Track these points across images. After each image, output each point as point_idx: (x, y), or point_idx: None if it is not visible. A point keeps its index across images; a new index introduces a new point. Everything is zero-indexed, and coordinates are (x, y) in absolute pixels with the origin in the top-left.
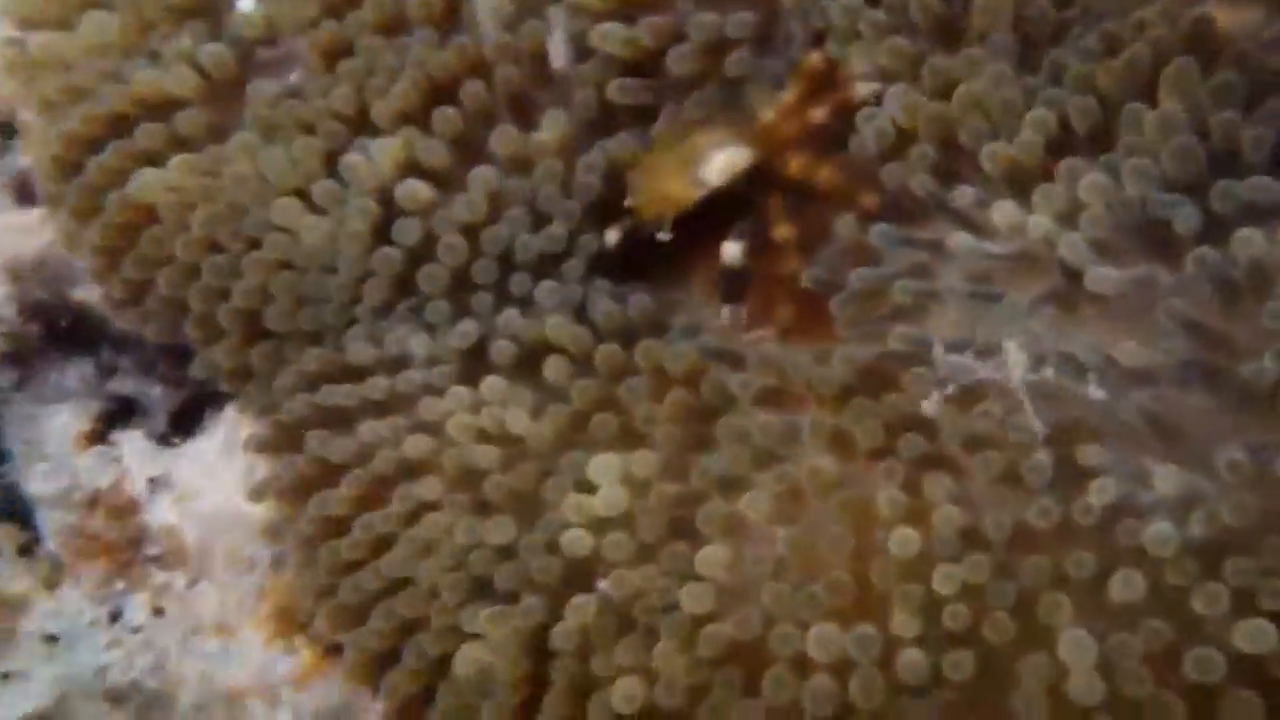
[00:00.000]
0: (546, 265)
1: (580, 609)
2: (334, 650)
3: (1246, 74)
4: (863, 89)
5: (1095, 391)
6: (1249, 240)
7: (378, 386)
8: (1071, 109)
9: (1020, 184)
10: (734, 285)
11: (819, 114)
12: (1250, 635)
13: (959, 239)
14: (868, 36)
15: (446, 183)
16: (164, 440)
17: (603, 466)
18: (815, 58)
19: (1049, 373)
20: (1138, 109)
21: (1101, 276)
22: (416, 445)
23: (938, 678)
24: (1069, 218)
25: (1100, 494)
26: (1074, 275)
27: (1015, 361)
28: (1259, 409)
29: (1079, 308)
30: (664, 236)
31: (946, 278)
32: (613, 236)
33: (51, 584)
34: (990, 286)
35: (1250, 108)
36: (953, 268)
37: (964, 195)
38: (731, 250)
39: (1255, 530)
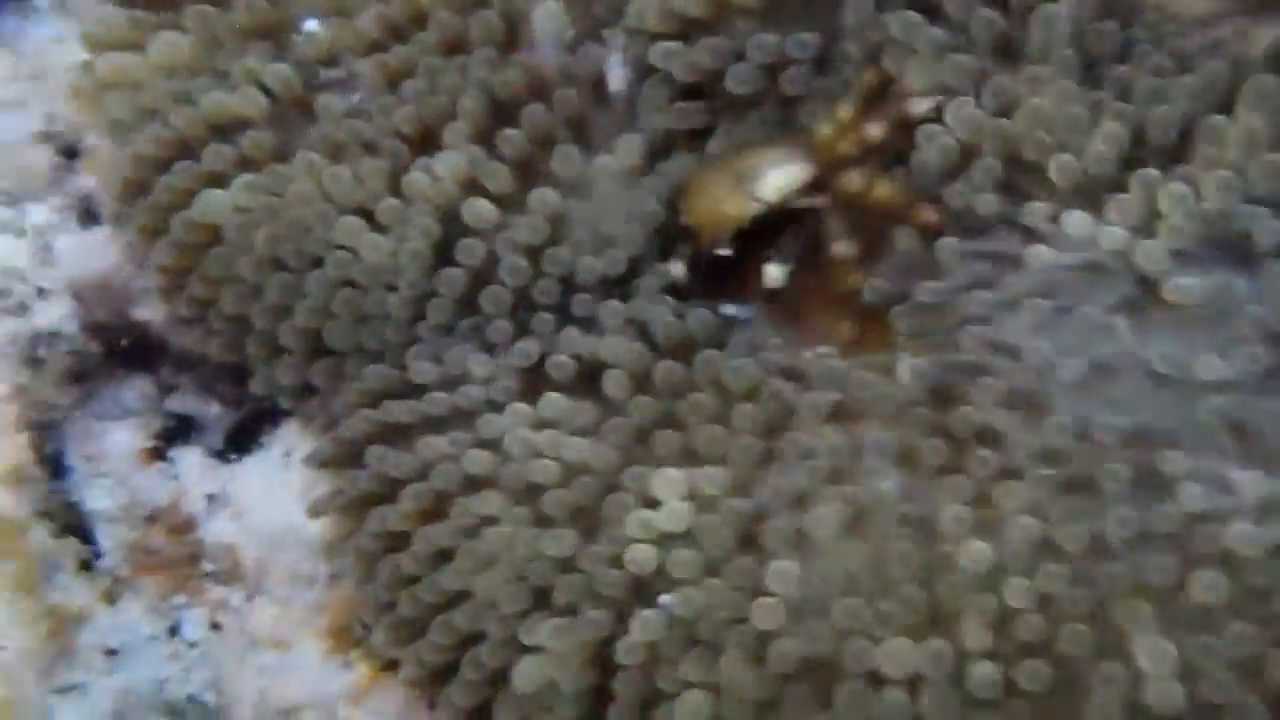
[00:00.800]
0: (609, 287)
1: (648, 622)
2: (391, 666)
3: None
4: (920, 105)
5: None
6: None
7: (438, 402)
8: (1149, 121)
9: (1091, 197)
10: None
11: (876, 130)
12: None
13: (1036, 251)
14: (925, 53)
15: (508, 203)
16: (221, 457)
17: (667, 482)
18: (871, 74)
19: (1125, 381)
20: (1218, 123)
21: (1183, 285)
22: (477, 460)
23: (1011, 690)
24: (1144, 229)
25: (1189, 500)
26: (1146, 285)
27: (1073, 368)
28: None
29: (1151, 317)
30: (724, 253)
31: (1014, 290)
32: (678, 269)
33: (111, 598)
34: (1062, 298)
35: None
36: (1021, 280)
37: (1034, 211)
38: (773, 273)
39: None
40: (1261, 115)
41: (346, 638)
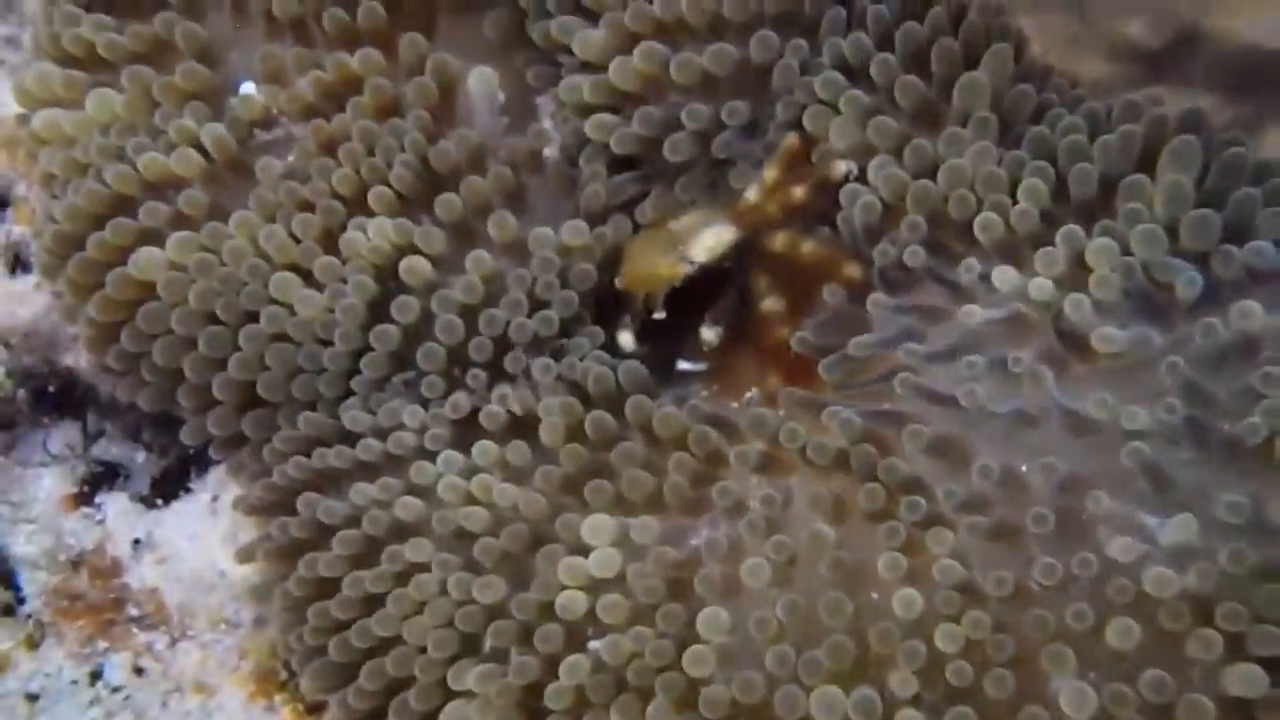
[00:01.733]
0: (541, 345)
1: (575, 667)
2: (314, 710)
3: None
4: (841, 168)
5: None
6: (1246, 311)
7: (371, 449)
8: (1071, 177)
9: (1014, 253)
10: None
11: (799, 192)
12: (1242, 680)
13: (968, 309)
14: (847, 115)
15: (443, 265)
16: (147, 503)
17: (597, 527)
18: (793, 138)
19: (1047, 429)
20: (1141, 180)
21: (1109, 335)
22: (408, 508)
23: None
24: (1069, 282)
25: (1112, 548)
26: (1068, 336)
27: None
28: (1247, 465)
29: (1070, 367)
30: (659, 316)
31: (942, 342)
32: (627, 340)
33: (33, 644)
34: (987, 350)
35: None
36: (948, 333)
37: (967, 267)
38: (708, 335)
39: (1249, 578)
40: (1185, 173)
41: (270, 681)
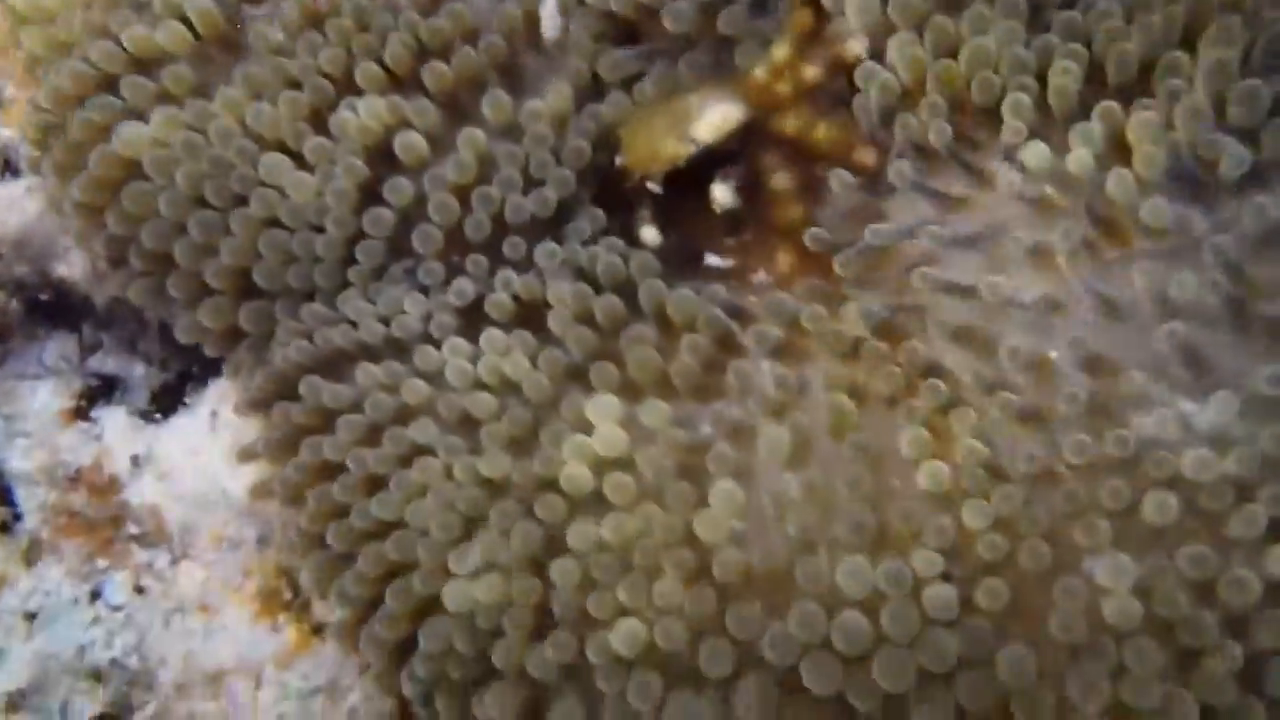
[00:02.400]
0: (541, 230)
1: (582, 535)
2: (319, 630)
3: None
4: (857, 46)
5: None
6: None
7: (374, 332)
8: (1108, 57)
9: (1045, 136)
10: (727, 225)
11: (812, 71)
12: None
13: (1007, 177)
14: None
15: (436, 146)
16: (146, 417)
17: (601, 407)
18: (805, 13)
19: (1079, 313)
20: (1180, 57)
21: (1158, 208)
22: (413, 390)
23: (969, 608)
24: (1109, 159)
25: (1143, 428)
26: (1103, 219)
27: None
28: None
29: (1102, 252)
30: (654, 188)
31: (961, 229)
32: (650, 235)
33: (31, 561)
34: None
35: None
36: (965, 219)
37: (998, 150)
38: (721, 191)
39: None
40: (1229, 50)
41: (274, 601)
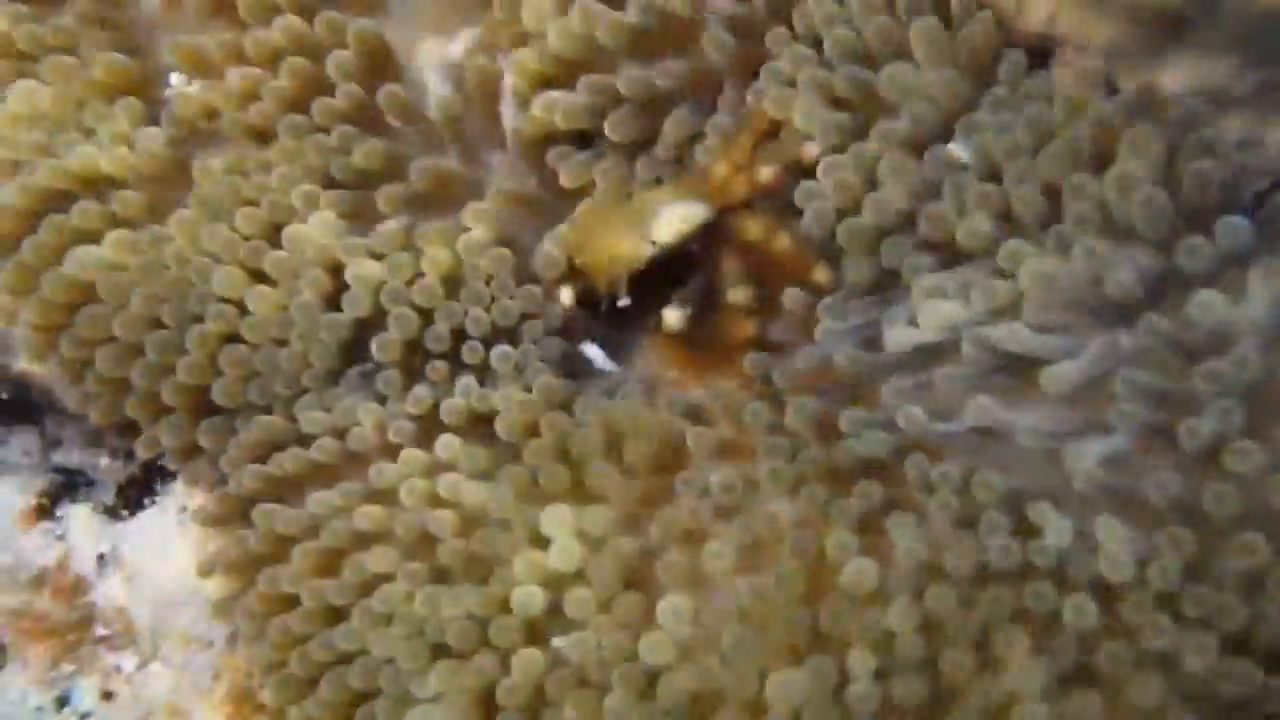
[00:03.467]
0: (499, 336)
1: (529, 662)
2: None
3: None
4: (813, 149)
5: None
6: (1209, 305)
7: (327, 450)
8: (1014, 200)
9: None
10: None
11: (767, 173)
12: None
13: (895, 335)
14: (805, 97)
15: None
16: (112, 514)
17: (555, 518)
18: (762, 114)
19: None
20: (1083, 180)
21: (1057, 373)
22: (369, 517)
23: (889, 708)
24: (1007, 309)
25: (1055, 535)
26: (1017, 362)
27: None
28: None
29: (1025, 394)
30: (624, 303)
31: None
32: (566, 296)
33: None
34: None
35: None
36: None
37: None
38: (673, 316)
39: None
40: (1139, 160)
41: (247, 703)
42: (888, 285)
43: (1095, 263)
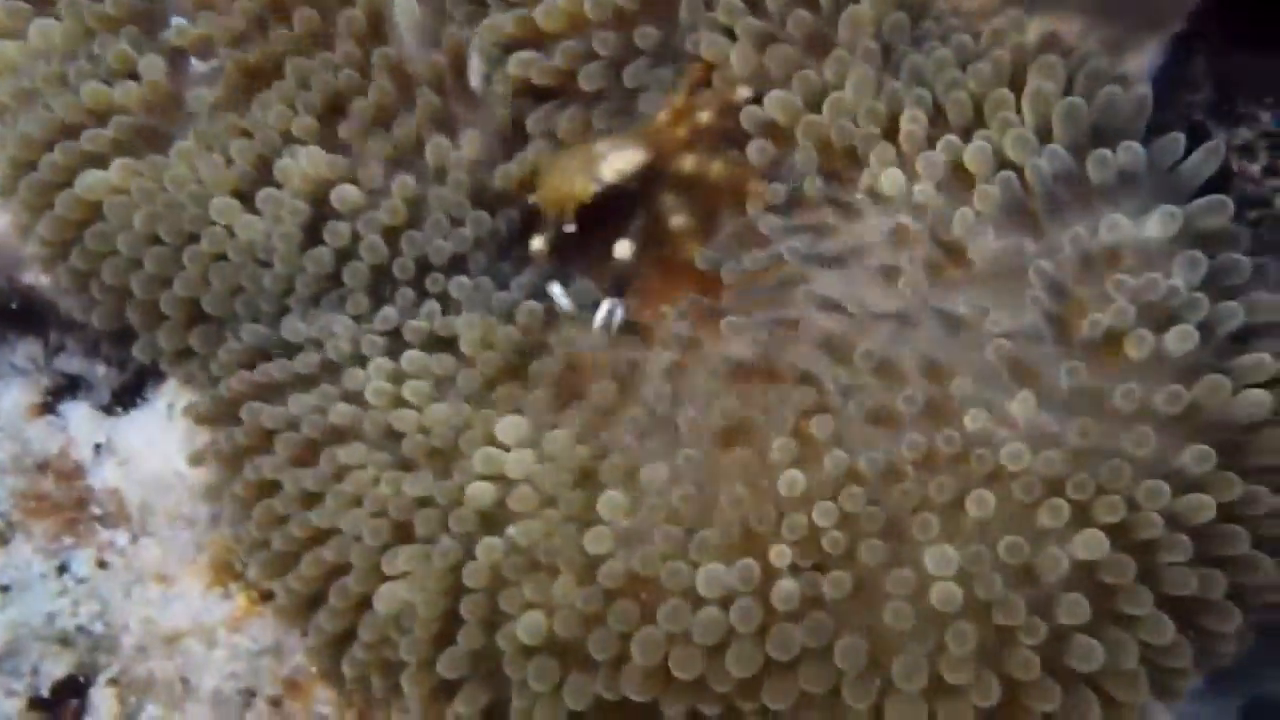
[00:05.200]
0: (460, 264)
1: (490, 548)
2: (267, 596)
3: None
4: (743, 91)
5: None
6: (1114, 224)
7: (307, 361)
8: (948, 103)
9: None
10: (620, 279)
11: (705, 116)
12: (1086, 545)
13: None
14: (744, 42)
15: (374, 191)
16: (108, 411)
17: (510, 427)
18: (698, 64)
19: (925, 330)
20: (1007, 94)
21: (982, 247)
22: (341, 414)
23: (815, 601)
24: (950, 188)
25: (971, 421)
26: (946, 245)
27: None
28: (1098, 357)
29: (946, 272)
30: (569, 228)
31: (833, 249)
32: (538, 243)
33: (4, 540)
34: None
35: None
36: (833, 245)
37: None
38: (622, 247)
39: (1095, 453)
40: (1050, 81)
41: (225, 572)
42: (831, 195)
43: (1030, 156)
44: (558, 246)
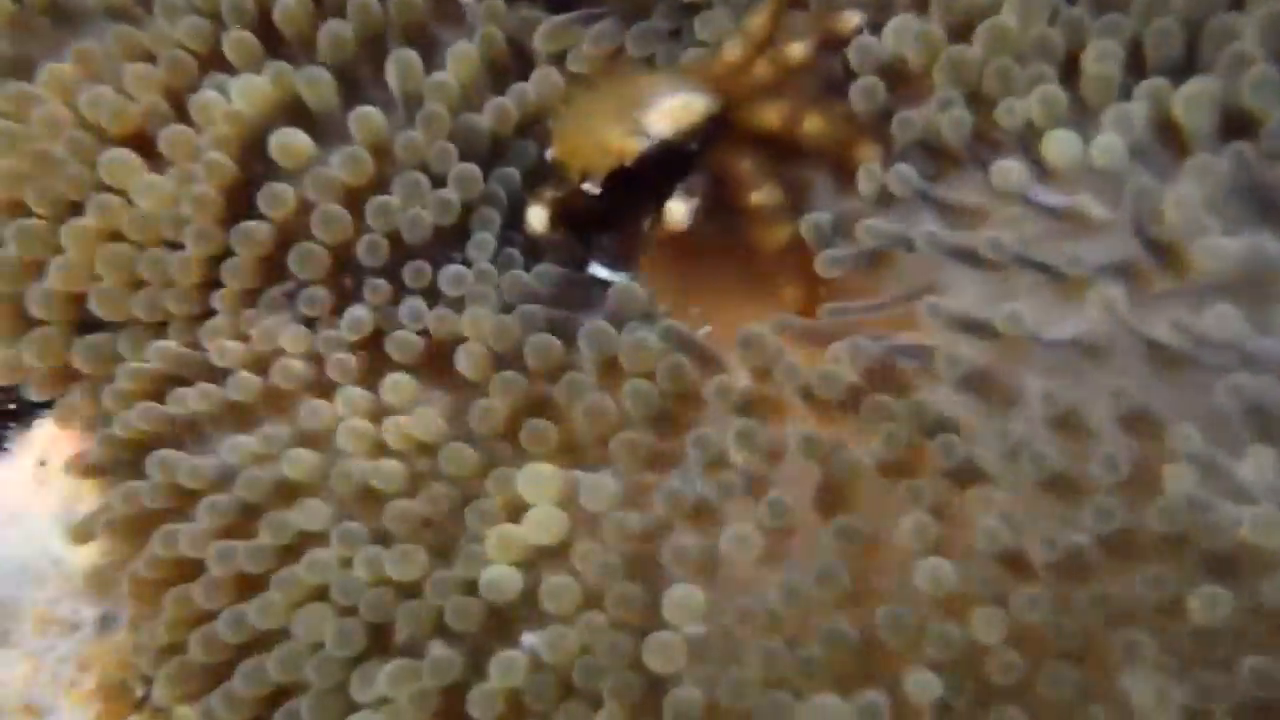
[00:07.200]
0: (446, 238)
1: (507, 666)
2: None
3: None
4: (852, 17)
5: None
6: None
7: (245, 386)
8: (1147, 35)
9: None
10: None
11: (798, 50)
12: None
13: (1007, 170)
14: None
15: (324, 134)
16: None
17: (536, 479)
18: None
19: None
20: (1231, 21)
21: (1213, 247)
22: (296, 462)
23: None
24: (1152, 153)
25: (1176, 482)
26: (1150, 241)
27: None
28: None
29: (1151, 280)
30: (591, 188)
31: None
32: (537, 216)
33: None
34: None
35: None
36: (986, 229)
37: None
38: (679, 210)
39: None
40: None
41: (122, 700)
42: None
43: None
44: (566, 217)
